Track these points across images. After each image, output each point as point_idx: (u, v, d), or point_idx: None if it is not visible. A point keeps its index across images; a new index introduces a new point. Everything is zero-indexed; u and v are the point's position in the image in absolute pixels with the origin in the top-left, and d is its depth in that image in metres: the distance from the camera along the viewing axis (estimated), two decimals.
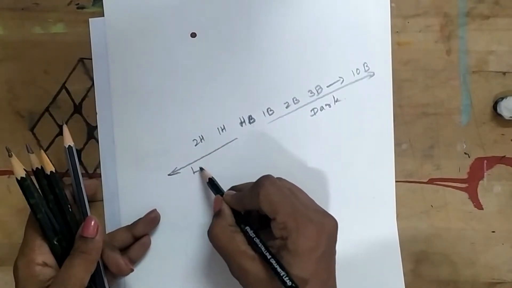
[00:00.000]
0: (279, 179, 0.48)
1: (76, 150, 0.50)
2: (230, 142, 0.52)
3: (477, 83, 0.52)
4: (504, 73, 0.52)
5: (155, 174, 0.52)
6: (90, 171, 0.54)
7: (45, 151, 0.52)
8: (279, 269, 0.42)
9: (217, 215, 0.48)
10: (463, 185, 0.53)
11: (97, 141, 0.53)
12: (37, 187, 0.48)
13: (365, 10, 0.52)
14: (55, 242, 0.47)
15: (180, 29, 0.52)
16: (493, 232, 0.53)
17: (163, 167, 0.52)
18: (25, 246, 0.47)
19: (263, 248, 0.44)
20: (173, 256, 0.53)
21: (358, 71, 0.52)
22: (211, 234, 0.47)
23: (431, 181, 0.53)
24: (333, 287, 0.45)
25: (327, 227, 0.45)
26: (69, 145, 0.49)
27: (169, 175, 0.52)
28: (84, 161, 0.54)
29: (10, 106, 0.54)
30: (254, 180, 0.46)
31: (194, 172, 0.52)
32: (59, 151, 0.53)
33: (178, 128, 0.52)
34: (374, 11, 0.52)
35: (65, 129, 0.50)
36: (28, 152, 0.48)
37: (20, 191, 0.47)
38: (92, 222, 0.46)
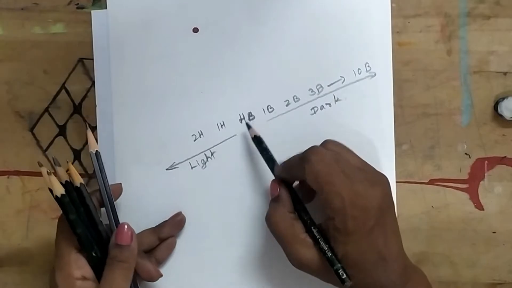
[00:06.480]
0: (327, 142, 0.47)
1: (76, 150, 0.50)
2: (229, 138, 0.52)
3: (478, 84, 0.52)
4: (505, 73, 0.52)
5: (153, 168, 0.52)
6: (90, 171, 0.53)
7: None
8: (335, 263, 0.43)
9: (275, 200, 0.46)
10: (464, 186, 0.53)
11: (97, 141, 0.53)
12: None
13: (366, 9, 0.51)
14: (94, 254, 0.45)
15: (182, 23, 0.52)
16: (494, 232, 0.53)
17: (161, 162, 0.52)
18: (61, 260, 0.45)
19: (322, 244, 0.44)
20: None
21: (359, 71, 0.52)
22: (271, 220, 0.46)
23: (431, 182, 0.53)
24: (393, 245, 0.44)
25: (374, 199, 0.43)
26: (97, 151, 0.48)
27: (167, 169, 0.52)
28: (84, 161, 0.53)
29: (9, 106, 0.54)
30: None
31: (192, 168, 0.52)
32: (59, 152, 0.53)
33: (177, 123, 0.52)
34: (375, 11, 0.51)
35: (90, 134, 0.48)
36: (55, 164, 0.46)
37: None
38: (125, 229, 0.45)
